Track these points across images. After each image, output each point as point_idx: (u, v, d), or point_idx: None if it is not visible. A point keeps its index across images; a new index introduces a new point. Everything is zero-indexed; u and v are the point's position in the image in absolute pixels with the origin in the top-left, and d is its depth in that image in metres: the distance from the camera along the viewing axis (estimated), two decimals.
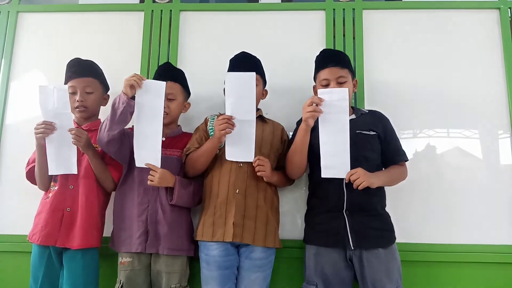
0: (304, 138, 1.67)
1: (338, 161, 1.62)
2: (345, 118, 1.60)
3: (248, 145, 1.69)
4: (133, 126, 1.75)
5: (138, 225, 1.74)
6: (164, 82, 1.69)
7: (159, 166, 1.70)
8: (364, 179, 1.59)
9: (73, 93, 1.85)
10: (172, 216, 1.76)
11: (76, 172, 1.76)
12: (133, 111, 1.69)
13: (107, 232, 1.85)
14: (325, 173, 1.63)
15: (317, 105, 1.59)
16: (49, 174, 1.76)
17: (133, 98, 1.67)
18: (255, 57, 1.87)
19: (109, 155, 1.82)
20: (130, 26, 2.22)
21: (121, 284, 1.72)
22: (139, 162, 1.72)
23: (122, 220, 1.79)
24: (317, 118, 1.62)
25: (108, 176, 1.82)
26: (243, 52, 1.87)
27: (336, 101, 1.59)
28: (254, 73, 1.65)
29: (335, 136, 1.61)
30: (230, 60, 1.87)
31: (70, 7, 2.28)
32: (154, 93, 1.67)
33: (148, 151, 1.70)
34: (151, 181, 1.69)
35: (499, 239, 1.91)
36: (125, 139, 1.77)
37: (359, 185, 1.59)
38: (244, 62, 1.82)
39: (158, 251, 1.73)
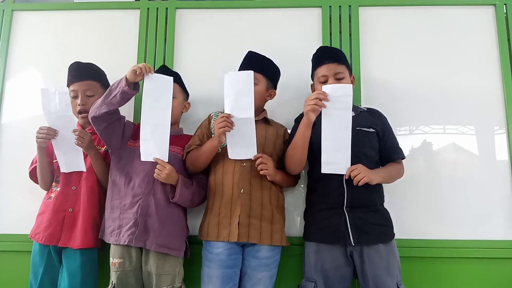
0: (305, 133, 1.66)
1: (339, 157, 1.62)
2: (348, 114, 1.59)
3: (249, 142, 1.68)
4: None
5: (129, 217, 1.71)
6: (172, 77, 1.70)
7: (167, 161, 1.70)
8: (364, 175, 1.59)
9: (74, 97, 1.87)
10: (165, 213, 1.73)
11: (85, 170, 1.80)
12: (127, 99, 1.69)
13: None
14: (325, 169, 1.63)
15: (321, 100, 1.58)
16: (61, 172, 1.81)
17: (135, 88, 1.67)
18: (262, 56, 1.85)
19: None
20: (126, 24, 2.21)
21: (113, 285, 1.70)
22: (145, 156, 1.70)
23: (112, 210, 1.76)
24: (320, 114, 1.61)
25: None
26: (249, 51, 1.86)
27: (340, 97, 1.58)
28: (252, 71, 1.64)
29: (337, 132, 1.60)
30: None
31: (66, 6, 2.26)
32: (162, 87, 1.68)
33: (155, 144, 1.69)
34: (158, 175, 1.68)
35: (495, 235, 1.92)
36: (117, 124, 1.77)
37: (359, 181, 1.59)
38: (247, 61, 1.83)
39: (145, 246, 1.69)
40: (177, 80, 1.89)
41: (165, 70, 1.89)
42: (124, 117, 1.86)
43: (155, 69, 1.92)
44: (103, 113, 1.67)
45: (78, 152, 1.78)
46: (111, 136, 1.77)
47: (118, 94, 1.64)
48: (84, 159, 1.80)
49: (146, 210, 1.72)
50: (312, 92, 1.85)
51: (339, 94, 1.59)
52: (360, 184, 1.59)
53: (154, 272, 1.69)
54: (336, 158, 1.62)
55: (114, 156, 1.83)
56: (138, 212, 1.71)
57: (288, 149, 1.75)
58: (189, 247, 1.81)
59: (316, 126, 1.66)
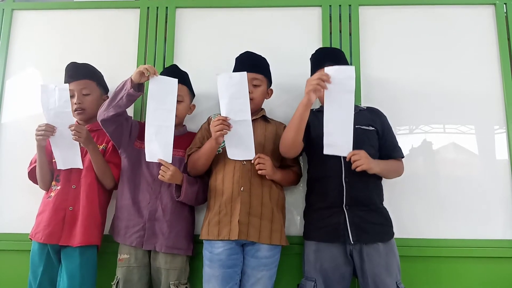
0: (304, 114, 1.62)
1: (341, 139, 1.61)
2: (351, 97, 1.58)
3: (247, 144, 1.68)
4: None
5: (137, 220, 1.76)
6: (176, 79, 1.70)
7: (170, 162, 1.72)
8: (364, 162, 1.59)
9: (71, 97, 1.87)
10: (172, 215, 1.77)
11: (82, 167, 1.80)
12: (133, 100, 1.72)
13: (107, 230, 1.87)
14: (327, 151, 1.62)
15: (323, 81, 1.56)
16: (57, 168, 1.81)
17: (140, 89, 1.69)
18: (259, 56, 1.85)
19: (109, 153, 1.88)
20: (126, 23, 2.21)
21: (117, 280, 1.74)
22: (150, 157, 1.73)
23: (122, 211, 1.81)
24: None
25: (107, 173, 1.84)
26: (246, 51, 1.86)
27: (343, 79, 1.56)
28: (245, 72, 1.62)
29: (339, 115, 1.59)
30: (235, 59, 1.87)
31: (65, 5, 2.26)
32: (166, 89, 1.69)
33: (159, 146, 1.71)
34: (162, 176, 1.71)
35: (495, 234, 1.92)
36: (125, 124, 1.81)
37: (358, 167, 1.58)
38: (246, 62, 1.82)
39: (155, 249, 1.74)
40: (186, 81, 1.90)
41: (175, 69, 1.91)
42: (131, 117, 1.88)
43: (165, 68, 1.95)
44: (111, 115, 1.70)
45: (75, 148, 1.78)
46: (120, 136, 1.81)
47: (124, 97, 1.67)
48: (83, 157, 1.81)
49: (154, 215, 1.77)
50: None
51: (342, 76, 1.56)
52: (357, 170, 1.59)
53: (163, 267, 1.73)
54: (338, 140, 1.61)
55: (124, 157, 1.86)
56: (146, 216, 1.76)
57: (284, 131, 1.72)
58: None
59: (316, 126, 1.66)
